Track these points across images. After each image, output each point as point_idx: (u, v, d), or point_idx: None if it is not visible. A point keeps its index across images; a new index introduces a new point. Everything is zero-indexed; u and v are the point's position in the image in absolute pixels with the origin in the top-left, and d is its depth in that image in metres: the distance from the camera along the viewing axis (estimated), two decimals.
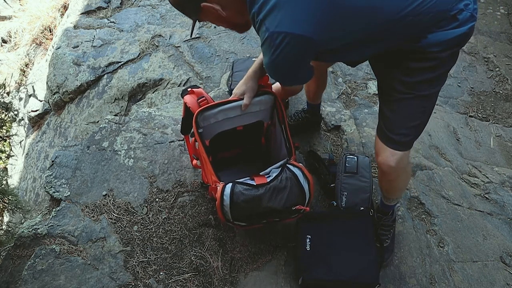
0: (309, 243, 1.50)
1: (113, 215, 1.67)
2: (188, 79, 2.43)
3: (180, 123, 1.54)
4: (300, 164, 1.41)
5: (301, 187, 1.36)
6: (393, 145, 1.25)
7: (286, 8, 0.91)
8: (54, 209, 1.70)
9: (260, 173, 1.38)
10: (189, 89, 1.46)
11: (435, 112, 2.29)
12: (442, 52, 1.04)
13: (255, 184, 1.34)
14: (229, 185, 1.33)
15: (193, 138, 1.52)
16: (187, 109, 1.45)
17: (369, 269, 1.45)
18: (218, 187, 1.34)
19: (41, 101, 3.06)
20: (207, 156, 1.41)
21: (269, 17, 0.94)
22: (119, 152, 1.89)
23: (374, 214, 1.64)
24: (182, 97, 1.45)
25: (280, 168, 1.38)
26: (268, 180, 1.34)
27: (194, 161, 1.68)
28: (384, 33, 1.01)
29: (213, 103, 1.42)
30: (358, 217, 1.59)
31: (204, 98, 1.42)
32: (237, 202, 1.32)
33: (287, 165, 1.39)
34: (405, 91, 1.14)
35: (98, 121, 2.45)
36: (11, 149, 3.56)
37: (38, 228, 1.62)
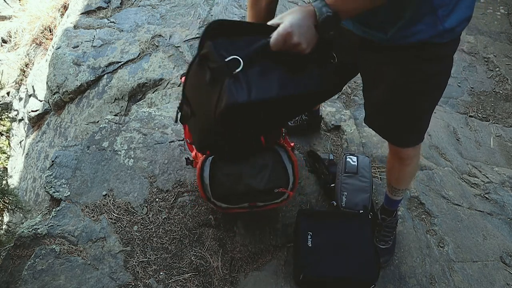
0: (310, 239, 1.50)
1: (113, 215, 1.67)
2: None
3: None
4: (286, 145, 1.38)
5: (285, 168, 1.33)
6: (406, 145, 1.28)
7: None
8: (54, 209, 1.70)
9: None
10: None
11: (435, 112, 2.29)
12: (451, 45, 1.00)
13: (236, 158, 1.32)
14: (210, 158, 1.31)
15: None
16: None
17: (368, 268, 1.46)
18: (200, 160, 1.31)
19: (41, 101, 3.06)
20: None
21: None
22: (119, 152, 1.89)
23: (378, 216, 1.64)
24: (181, 78, 1.41)
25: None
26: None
27: (194, 152, 1.67)
28: None
29: None
30: (357, 218, 1.60)
31: None
32: (217, 175, 1.30)
33: (274, 146, 1.37)
34: (415, 97, 1.11)
35: (98, 121, 2.45)
36: (9, 145, 3.56)
37: (38, 228, 1.62)
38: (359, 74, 1.41)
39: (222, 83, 0.87)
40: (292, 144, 1.96)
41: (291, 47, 0.88)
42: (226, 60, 0.86)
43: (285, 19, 0.87)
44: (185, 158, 1.56)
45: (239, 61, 0.86)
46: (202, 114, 1.08)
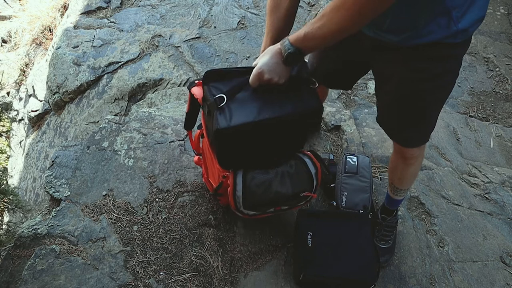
0: (310, 239, 1.50)
1: (113, 215, 1.67)
2: (188, 79, 2.43)
3: (184, 119, 1.52)
4: (309, 152, 1.43)
5: (309, 173, 1.39)
6: (413, 146, 1.29)
7: None
8: (54, 209, 1.70)
9: None
10: (196, 81, 1.40)
11: None
12: (462, 46, 1.00)
13: (265, 169, 1.37)
14: (240, 172, 1.35)
15: (197, 133, 1.52)
16: (192, 103, 1.43)
17: (368, 268, 1.46)
18: (231, 176, 1.35)
19: (41, 101, 3.06)
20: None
21: None
22: (119, 152, 1.89)
23: (378, 215, 1.65)
24: (189, 89, 1.39)
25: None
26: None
27: (196, 157, 1.68)
28: None
29: None
30: (357, 218, 1.60)
31: None
32: (249, 186, 1.34)
33: (297, 154, 1.42)
34: (421, 95, 1.11)
35: (98, 121, 2.45)
36: (9, 145, 3.55)
37: (38, 228, 1.62)
38: (359, 75, 1.41)
39: (213, 114, 1.15)
40: None
41: (265, 82, 1.10)
42: (215, 97, 1.14)
43: (259, 60, 1.09)
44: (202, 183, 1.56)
45: (223, 97, 1.14)
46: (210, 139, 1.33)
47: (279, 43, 1.04)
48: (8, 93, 3.66)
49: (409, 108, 1.17)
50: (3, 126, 3.61)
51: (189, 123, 1.52)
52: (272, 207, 1.44)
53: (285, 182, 1.37)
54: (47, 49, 3.28)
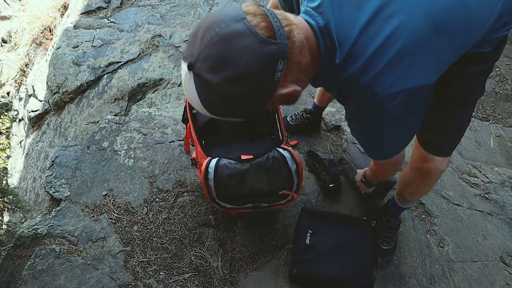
0: (309, 237, 1.50)
1: (113, 215, 1.67)
2: None
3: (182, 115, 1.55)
4: (290, 148, 1.39)
5: (289, 170, 1.34)
6: (443, 153, 1.21)
7: (407, 63, 0.80)
8: (54, 209, 1.70)
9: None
10: None
11: None
12: (494, 52, 0.99)
13: (240, 158, 1.34)
14: (215, 159, 1.34)
15: (189, 124, 1.54)
16: None
17: (364, 273, 1.45)
18: (204, 162, 1.33)
19: (41, 101, 3.06)
20: (198, 138, 1.43)
21: (379, 79, 0.80)
22: (119, 152, 1.89)
23: (382, 217, 1.64)
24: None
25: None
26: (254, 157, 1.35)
27: (194, 153, 1.68)
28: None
29: None
30: (360, 223, 1.59)
31: None
32: (221, 176, 1.31)
33: (277, 148, 1.37)
34: (460, 98, 1.08)
35: (98, 121, 2.45)
36: (8, 144, 3.55)
37: (38, 228, 1.62)
38: None
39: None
40: (295, 142, 1.97)
41: None
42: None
43: None
44: (191, 159, 1.59)
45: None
46: None
47: None
48: (8, 93, 3.66)
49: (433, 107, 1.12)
50: (2, 123, 3.61)
51: (186, 115, 1.53)
52: (249, 202, 1.42)
53: (261, 176, 1.33)
54: (47, 49, 3.28)
